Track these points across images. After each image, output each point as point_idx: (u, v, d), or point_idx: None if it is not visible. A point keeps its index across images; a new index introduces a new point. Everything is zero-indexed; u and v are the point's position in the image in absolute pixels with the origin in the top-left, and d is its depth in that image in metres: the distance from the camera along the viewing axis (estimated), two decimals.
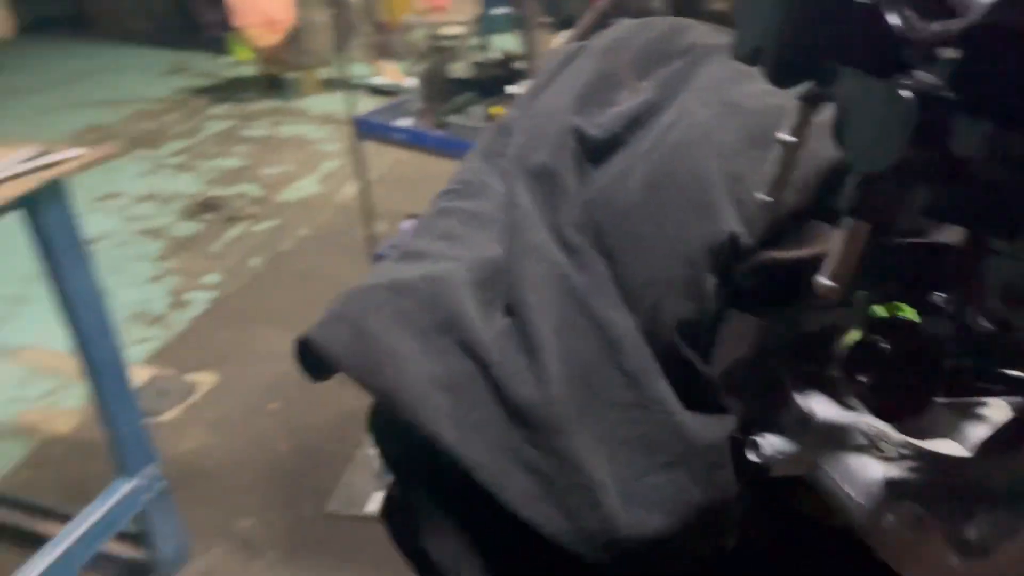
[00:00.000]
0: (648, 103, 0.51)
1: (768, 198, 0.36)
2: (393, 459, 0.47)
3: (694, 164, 0.44)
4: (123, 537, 1.99)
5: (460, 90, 2.52)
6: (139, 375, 2.61)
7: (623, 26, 0.60)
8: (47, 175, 1.47)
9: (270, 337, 2.85)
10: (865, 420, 0.38)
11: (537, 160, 0.47)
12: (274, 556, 2.00)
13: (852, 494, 0.37)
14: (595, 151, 0.50)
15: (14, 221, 1.52)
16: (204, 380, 2.65)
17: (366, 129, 2.68)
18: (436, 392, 0.41)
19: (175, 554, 1.97)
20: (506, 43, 2.67)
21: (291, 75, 5.27)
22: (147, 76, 5.96)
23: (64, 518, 2.00)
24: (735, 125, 0.44)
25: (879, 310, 0.37)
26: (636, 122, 0.51)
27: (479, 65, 2.66)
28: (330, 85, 5.29)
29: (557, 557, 0.41)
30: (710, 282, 0.41)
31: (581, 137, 0.50)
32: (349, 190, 3.88)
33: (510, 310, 0.43)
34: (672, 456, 0.39)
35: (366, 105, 4.70)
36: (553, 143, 0.49)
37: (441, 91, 2.43)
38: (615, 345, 0.40)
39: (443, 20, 4.94)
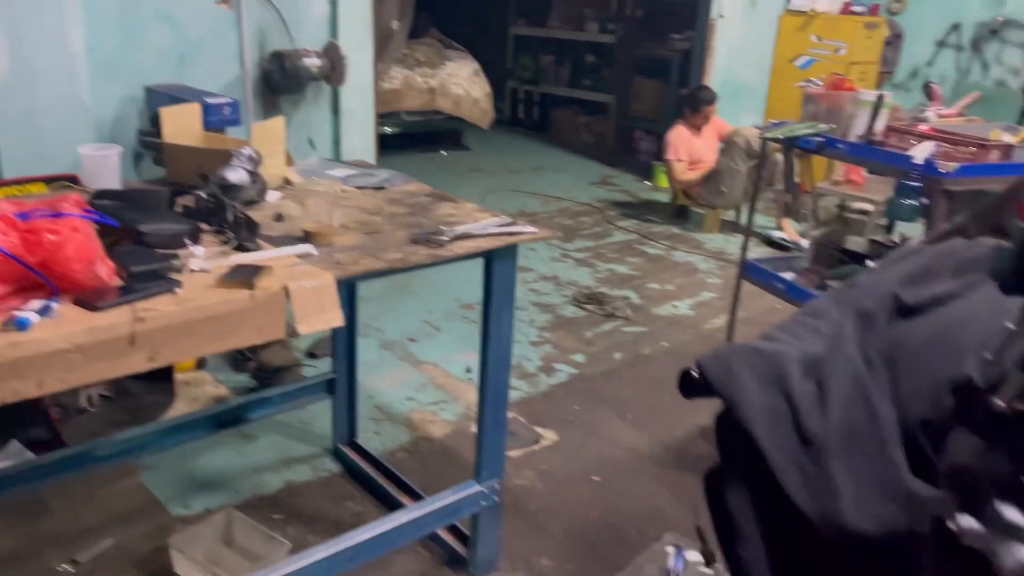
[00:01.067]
0: (950, 292, 0.72)
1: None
2: (722, 443, 0.73)
3: (961, 334, 0.65)
4: (455, 531, 2.45)
5: (850, 261, 2.69)
6: None
7: (958, 242, 0.83)
8: (510, 239, 1.99)
9: (611, 420, 3.22)
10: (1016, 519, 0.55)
11: (865, 306, 0.71)
12: None
13: (1009, 568, 0.54)
14: (905, 311, 0.73)
15: (457, 264, 2.04)
16: (548, 436, 3.09)
17: (751, 272, 2.97)
18: (762, 412, 0.67)
19: (487, 560, 2.37)
20: (907, 229, 2.79)
21: (699, 210, 5.76)
22: (579, 182, 6.90)
23: (417, 496, 2.53)
24: (994, 321, 0.64)
25: None
26: (938, 301, 0.72)
27: (874, 243, 2.80)
28: (731, 227, 5.67)
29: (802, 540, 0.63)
30: (948, 402, 0.62)
31: (898, 300, 0.74)
32: (718, 321, 4.16)
33: (818, 384, 0.68)
34: (891, 494, 0.60)
35: (757, 252, 5.02)
36: (878, 298, 0.73)
37: (831, 256, 2.63)
38: (876, 421, 0.63)
39: (855, 194, 5.08)
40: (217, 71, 3.71)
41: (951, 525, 0.53)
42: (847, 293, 0.79)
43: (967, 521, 0.53)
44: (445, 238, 1.90)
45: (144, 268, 1.57)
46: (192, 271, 1.62)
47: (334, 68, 3.97)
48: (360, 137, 4.37)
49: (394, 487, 2.65)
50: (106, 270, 1.50)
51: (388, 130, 7.04)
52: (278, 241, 1.84)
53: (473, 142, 7.95)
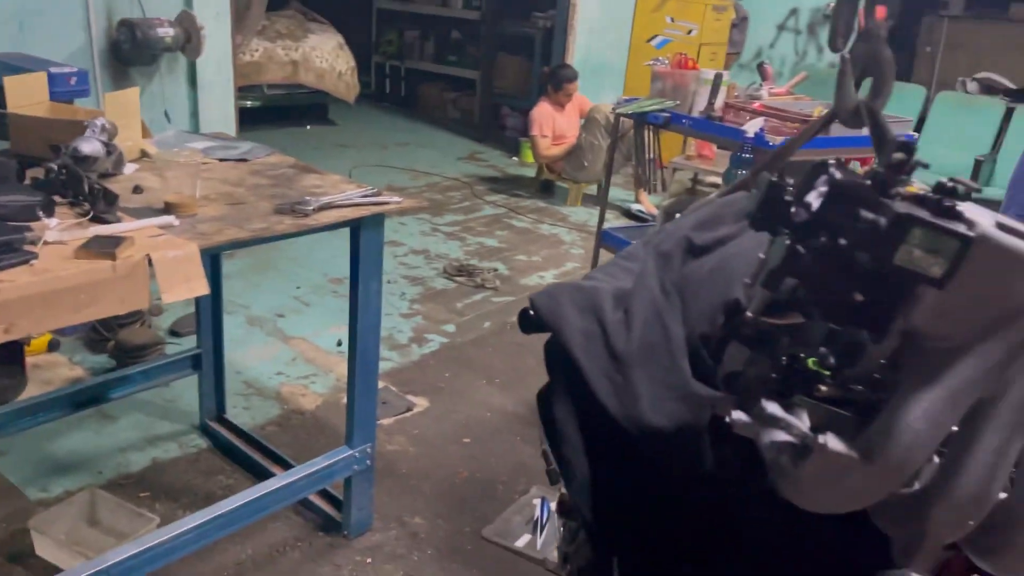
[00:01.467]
0: (730, 234, 0.87)
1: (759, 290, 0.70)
2: (549, 364, 0.84)
3: (731, 268, 0.79)
4: (328, 497, 2.50)
5: None
6: None
7: (741, 194, 0.98)
8: (376, 209, 2.06)
9: (480, 386, 3.34)
10: (787, 416, 0.69)
11: (664, 248, 0.84)
12: (431, 553, 2.41)
13: (772, 451, 0.67)
14: (695, 251, 0.87)
15: (323, 240, 2.11)
16: (419, 403, 3.18)
17: (608, 240, 3.15)
18: (580, 335, 0.79)
19: (360, 523, 2.44)
20: None
21: (563, 184, 5.96)
22: (447, 157, 6.96)
23: (288, 466, 2.57)
24: (754, 253, 0.78)
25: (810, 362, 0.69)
26: (720, 242, 0.87)
27: None
28: (593, 201, 5.91)
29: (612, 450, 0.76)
30: (720, 320, 0.75)
31: (690, 242, 0.88)
32: None
33: (625, 311, 0.80)
34: (680, 395, 0.74)
35: (616, 224, 5.26)
36: (675, 241, 0.87)
37: None
38: (668, 339, 0.76)
39: (706, 168, 5.41)
40: (61, 40, 3.54)
41: (727, 419, 0.66)
42: (653, 239, 0.92)
43: (739, 415, 0.66)
44: (310, 208, 1.94)
45: None
46: (47, 243, 1.60)
47: (189, 39, 3.86)
48: (219, 111, 4.27)
49: (265, 459, 2.67)
50: None
51: (249, 104, 6.85)
52: (138, 213, 1.83)
53: (339, 117, 7.86)
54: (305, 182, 2.21)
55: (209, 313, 2.76)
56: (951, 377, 0.59)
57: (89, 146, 1.93)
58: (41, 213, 1.70)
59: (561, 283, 0.89)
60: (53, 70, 2.93)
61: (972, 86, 7.17)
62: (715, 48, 6.85)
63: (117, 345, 3.14)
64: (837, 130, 2.64)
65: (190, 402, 2.95)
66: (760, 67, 3.11)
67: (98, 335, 3.24)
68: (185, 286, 1.65)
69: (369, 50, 8.96)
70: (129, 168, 2.12)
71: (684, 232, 0.90)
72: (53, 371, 3.08)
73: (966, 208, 0.59)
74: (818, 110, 2.73)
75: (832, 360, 0.61)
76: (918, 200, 0.57)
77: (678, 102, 2.88)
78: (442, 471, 2.79)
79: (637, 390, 0.74)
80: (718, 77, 2.77)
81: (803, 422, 0.66)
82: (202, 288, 1.67)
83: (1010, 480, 0.63)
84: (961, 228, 0.56)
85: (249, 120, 6.80)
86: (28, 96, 2.18)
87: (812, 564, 0.70)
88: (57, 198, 1.81)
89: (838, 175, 0.60)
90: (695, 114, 2.85)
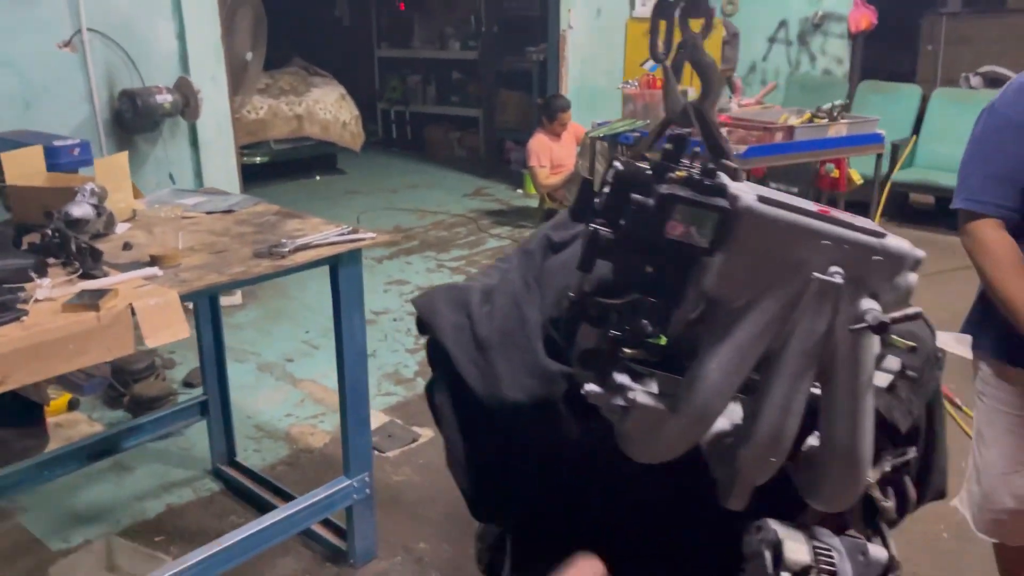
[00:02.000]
0: (582, 232, 0.96)
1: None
2: (430, 358, 0.93)
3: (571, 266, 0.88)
4: (331, 526, 2.58)
5: None
6: (378, 418, 3.29)
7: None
8: (351, 245, 2.17)
9: None
10: (632, 384, 0.76)
11: (529, 247, 0.93)
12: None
13: (610, 415, 0.75)
14: (554, 247, 0.96)
15: (327, 291, 2.20)
16: (424, 433, 3.26)
17: None
18: (451, 328, 0.88)
19: (365, 551, 2.51)
20: None
21: (564, 210, 6.06)
22: (453, 195, 7.11)
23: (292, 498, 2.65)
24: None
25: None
26: (575, 237, 0.95)
27: None
28: None
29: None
30: (566, 303, 0.84)
31: (549, 240, 0.97)
32: None
33: (492, 305, 0.89)
34: (534, 372, 0.82)
35: None
36: (538, 240, 0.96)
37: None
38: (525, 324, 0.85)
39: None
40: (66, 114, 3.74)
41: (582, 391, 0.74)
42: (525, 240, 1.01)
43: (591, 387, 0.74)
44: (286, 250, 2.06)
45: None
46: (38, 300, 1.72)
47: (188, 103, 4.05)
48: (222, 169, 4.45)
49: (275, 497, 2.76)
50: None
51: (259, 160, 7.09)
52: (125, 267, 1.95)
53: (348, 165, 8.07)
54: (287, 227, 2.33)
55: (213, 360, 2.88)
56: (738, 333, 0.67)
57: (80, 209, 2.07)
58: (34, 274, 1.83)
59: (440, 285, 0.98)
60: (56, 143, 3.11)
61: (975, 80, 7.18)
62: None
63: (132, 399, 3.27)
64: (835, 131, 2.72)
65: (203, 448, 3.05)
66: (728, 80, 3.19)
67: (115, 391, 3.38)
68: (167, 331, 1.76)
69: (374, 98, 9.21)
70: (121, 227, 2.25)
71: (545, 231, 0.99)
72: (74, 428, 3.22)
73: (732, 184, 0.67)
74: (784, 117, 2.81)
75: (649, 329, 0.69)
76: (684, 182, 0.65)
77: (648, 121, 2.98)
78: (447, 496, 2.85)
79: (497, 371, 0.82)
80: (683, 95, 2.86)
81: (652, 389, 0.74)
82: (183, 332, 1.78)
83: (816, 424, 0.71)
84: (719, 202, 0.64)
85: (259, 175, 7.05)
86: (25, 168, 2.33)
87: (689, 516, 0.77)
88: (52, 260, 1.94)
89: (621, 167, 0.68)
90: None
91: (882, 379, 0.70)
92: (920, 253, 0.67)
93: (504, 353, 0.82)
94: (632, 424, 0.71)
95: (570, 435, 0.80)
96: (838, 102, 2.79)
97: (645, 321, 0.69)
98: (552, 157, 6.00)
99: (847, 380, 0.67)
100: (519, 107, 8.15)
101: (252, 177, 6.97)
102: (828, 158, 2.86)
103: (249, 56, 5.45)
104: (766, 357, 0.68)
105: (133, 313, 1.72)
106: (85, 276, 1.87)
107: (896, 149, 5.99)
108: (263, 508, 2.74)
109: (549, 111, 5.99)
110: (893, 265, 0.66)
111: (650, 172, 0.66)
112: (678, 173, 0.65)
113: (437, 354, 0.90)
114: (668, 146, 0.67)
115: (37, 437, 3.08)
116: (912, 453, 0.83)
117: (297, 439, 3.23)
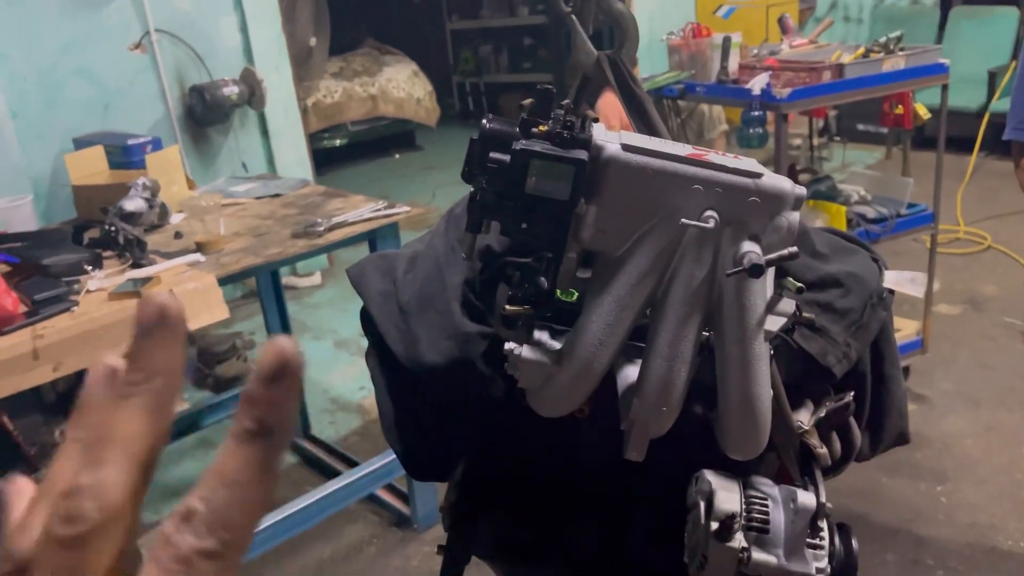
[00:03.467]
0: None
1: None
2: (364, 327, 0.95)
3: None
4: (396, 493, 2.68)
5: None
6: None
7: None
8: (384, 221, 2.22)
9: None
10: (551, 341, 0.76)
11: (456, 211, 0.94)
12: None
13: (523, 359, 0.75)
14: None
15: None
16: None
17: None
18: (377, 295, 0.90)
19: (427, 516, 2.59)
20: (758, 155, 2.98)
21: None
22: None
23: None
24: None
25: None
26: None
27: None
28: None
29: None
30: (477, 267, 0.84)
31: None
32: None
33: (415, 271, 0.91)
34: (450, 334, 0.83)
35: None
36: (464, 204, 0.95)
37: None
38: (444, 289, 0.85)
39: None
40: (142, 113, 3.95)
41: (505, 350, 0.75)
42: (453, 205, 1.01)
43: (510, 347, 0.74)
44: (321, 228, 2.13)
45: (46, 295, 1.80)
46: (90, 291, 1.85)
47: (253, 93, 4.20)
48: (294, 155, 4.60)
49: (347, 467, 2.87)
50: (11, 301, 1.74)
51: (338, 142, 7.27)
52: (173, 256, 2.07)
53: (426, 141, 8.17)
54: (330, 206, 2.41)
55: None
56: (616, 284, 0.66)
57: (132, 204, 2.20)
58: (89, 267, 1.97)
59: (372, 254, 1.00)
60: (130, 142, 3.30)
61: None
62: (785, 7, 6.65)
63: (215, 379, 3.47)
64: (891, 65, 2.58)
65: None
66: (780, 21, 3.05)
67: (201, 373, 3.59)
68: (207, 313, 1.86)
69: (448, 72, 9.26)
70: (176, 218, 2.38)
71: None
72: None
73: (599, 135, 0.66)
74: (836, 54, 2.67)
75: (545, 285, 0.69)
76: (544, 136, 0.64)
77: (693, 71, 2.89)
78: None
79: (417, 334, 0.84)
80: (726, 40, 2.76)
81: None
82: (222, 313, 1.88)
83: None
84: (576, 154, 0.63)
85: (338, 158, 7.24)
86: (90, 168, 2.49)
87: (636, 469, 0.77)
88: (108, 253, 2.08)
89: (487, 125, 0.68)
90: (712, 80, 2.85)
91: (774, 323, 0.67)
92: (801, 191, 0.64)
93: (423, 317, 0.84)
94: (525, 379, 0.72)
95: (496, 394, 0.82)
96: (894, 34, 2.62)
97: (542, 278, 0.69)
98: (622, 116, 5.90)
99: (733, 326, 0.65)
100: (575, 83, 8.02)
101: (331, 160, 7.17)
102: (884, 94, 2.70)
103: (313, 42, 5.58)
104: (654, 305, 0.67)
105: None
106: (135, 266, 2.00)
107: (993, 77, 5.59)
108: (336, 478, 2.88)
109: (599, 82, 5.89)
110: (772, 205, 0.63)
111: (516, 129, 0.66)
112: (540, 127, 0.64)
113: (367, 321, 0.92)
114: (529, 101, 0.67)
115: None
116: (849, 397, 0.80)
117: (369, 411, 3.35)
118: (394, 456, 2.44)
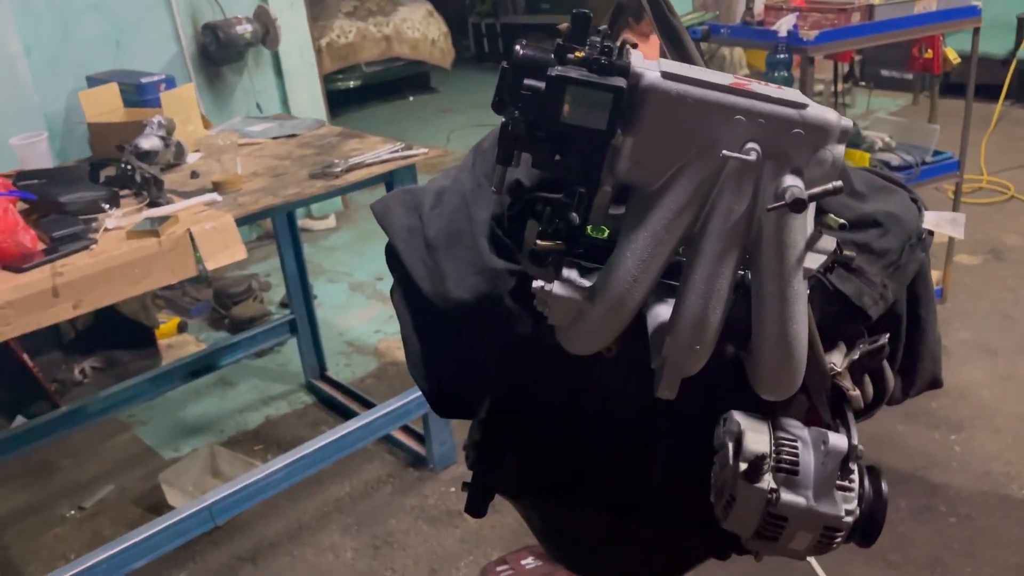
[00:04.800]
0: None
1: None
2: (389, 262, 0.94)
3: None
4: (412, 434, 2.71)
5: None
6: None
7: None
8: (402, 162, 2.19)
9: None
10: (580, 280, 0.74)
11: (484, 145, 0.92)
12: None
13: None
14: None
15: None
16: None
17: None
18: (403, 230, 0.89)
19: (443, 456, 2.62)
20: None
21: None
22: None
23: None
24: None
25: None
26: None
27: None
28: None
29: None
30: (505, 202, 0.82)
31: None
32: None
33: (442, 206, 0.89)
34: (479, 270, 0.82)
35: None
36: (491, 138, 0.93)
37: None
38: (472, 223, 0.84)
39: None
40: (155, 52, 3.89)
41: (534, 288, 0.74)
42: (481, 140, 0.99)
43: (538, 284, 0.73)
44: (338, 169, 2.10)
45: (64, 232, 1.80)
46: (107, 230, 1.85)
47: (267, 32, 4.13)
48: (308, 95, 4.54)
49: (363, 407, 2.90)
50: (29, 238, 1.74)
51: (352, 84, 7.18)
52: (189, 195, 2.06)
53: (441, 83, 8.05)
54: (346, 147, 2.38)
55: (297, 280, 3.01)
56: (653, 218, 0.64)
57: (148, 142, 2.18)
58: (106, 205, 1.96)
59: (397, 189, 0.99)
60: (144, 80, 3.25)
61: None
62: None
63: (232, 320, 3.49)
64: (922, 7, 2.51)
65: (297, 364, 3.23)
66: None
67: (217, 314, 3.61)
68: (225, 252, 1.85)
69: (464, 12, 9.08)
70: (192, 157, 2.36)
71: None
72: (183, 348, 3.46)
73: (637, 62, 0.63)
74: None
75: (576, 219, 0.67)
76: (580, 62, 0.62)
77: (717, 13, 2.82)
78: None
79: (444, 270, 0.83)
80: None
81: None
82: (240, 253, 1.87)
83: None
84: (615, 81, 0.61)
85: (353, 99, 7.15)
86: (103, 106, 2.46)
87: (662, 410, 0.76)
88: (125, 191, 2.07)
89: (520, 51, 0.65)
90: (737, 22, 2.77)
91: (813, 261, 0.66)
92: (847, 122, 0.62)
93: (450, 252, 0.82)
94: (555, 316, 0.71)
95: (523, 331, 0.81)
96: None
97: (574, 214, 0.67)
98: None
99: (772, 263, 0.63)
100: (610, 11, 7.84)
101: (346, 101, 7.08)
102: (914, 36, 2.62)
103: None
104: (689, 242, 0.65)
105: (191, 237, 1.82)
106: (152, 205, 1.99)
107: (1022, 23, 5.43)
108: (352, 418, 2.90)
109: (636, 13, 5.75)
110: (816, 137, 0.61)
111: (551, 55, 0.63)
112: (576, 54, 0.62)
113: (392, 257, 0.91)
114: (566, 25, 0.64)
115: (151, 358, 3.34)
116: (884, 339, 0.78)
117: (384, 353, 3.37)
118: (410, 398, 2.47)
